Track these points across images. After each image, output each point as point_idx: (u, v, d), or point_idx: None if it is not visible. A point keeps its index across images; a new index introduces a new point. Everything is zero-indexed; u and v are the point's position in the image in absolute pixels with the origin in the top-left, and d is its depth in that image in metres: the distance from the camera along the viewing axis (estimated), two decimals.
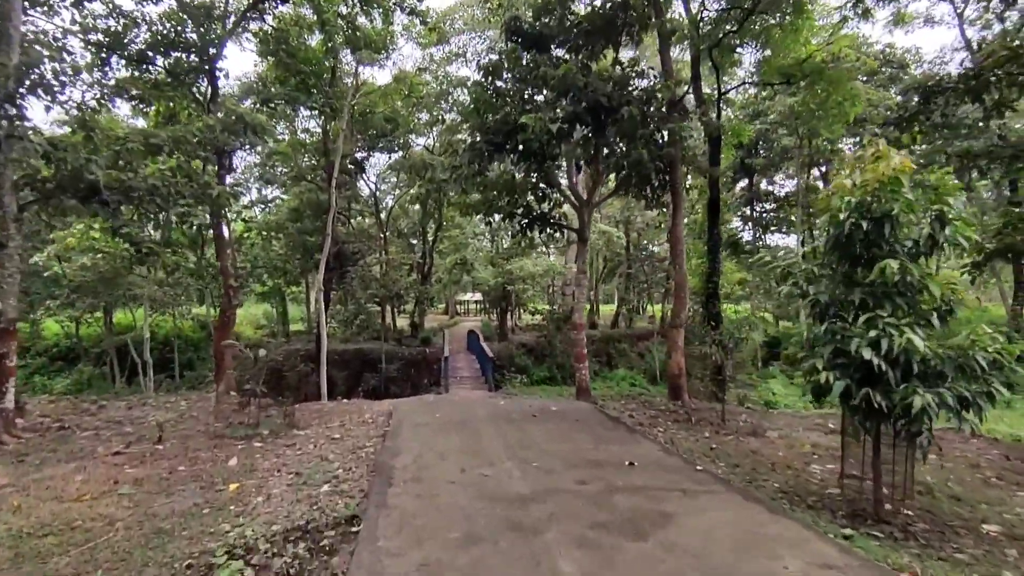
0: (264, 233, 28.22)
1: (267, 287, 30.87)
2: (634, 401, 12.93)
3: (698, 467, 6.73)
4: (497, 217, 13.28)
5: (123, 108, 19.32)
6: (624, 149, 11.44)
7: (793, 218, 31.50)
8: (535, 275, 24.86)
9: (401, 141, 27.45)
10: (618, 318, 36.68)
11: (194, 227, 19.95)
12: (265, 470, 6.95)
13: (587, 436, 8.21)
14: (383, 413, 10.50)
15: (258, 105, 17.75)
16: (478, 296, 52.56)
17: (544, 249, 33.03)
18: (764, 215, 35.90)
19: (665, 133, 11.40)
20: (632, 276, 30.56)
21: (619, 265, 39.59)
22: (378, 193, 33.99)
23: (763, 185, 35.02)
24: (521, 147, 10.71)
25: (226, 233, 19.20)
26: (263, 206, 31.46)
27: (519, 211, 12.21)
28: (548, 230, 12.68)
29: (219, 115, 13.00)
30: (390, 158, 30.61)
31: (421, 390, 23.77)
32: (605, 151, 11.87)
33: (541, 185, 12.41)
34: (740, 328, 12.44)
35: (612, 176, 12.98)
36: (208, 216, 14.59)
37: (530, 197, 12.46)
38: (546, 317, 26.51)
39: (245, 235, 32.01)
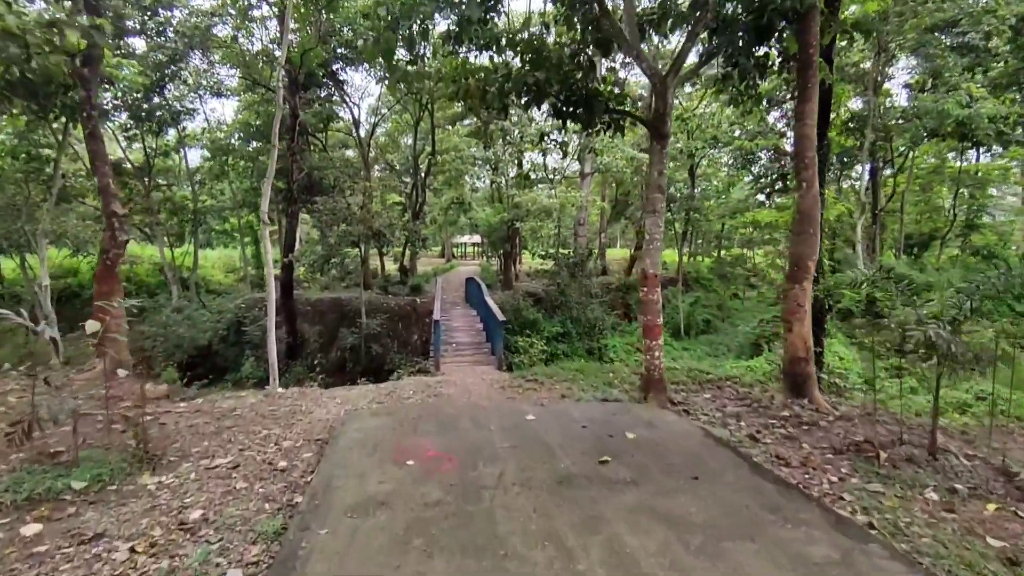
0: (215, 159, 22.80)
1: (226, 224, 25.68)
2: (722, 393, 8.28)
3: None
4: (512, 108, 8.14)
5: None
6: None
7: None
8: (550, 209, 19.70)
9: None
10: (633, 264, 31.83)
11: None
12: None
13: (738, 528, 3.54)
14: (320, 433, 5.82)
15: None
16: (476, 238, 47.51)
17: (553, 181, 27.73)
18: None
19: None
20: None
21: (629, 203, 34.47)
22: (360, 116, 28.29)
23: None
24: None
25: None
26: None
27: (555, 90, 7.06)
28: (606, 121, 7.56)
29: None
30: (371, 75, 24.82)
31: (408, 351, 19.18)
32: None
33: (589, 51, 7.24)
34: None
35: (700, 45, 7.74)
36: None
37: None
38: (558, 261, 21.60)
39: (203, 164, 26.51)
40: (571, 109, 7.16)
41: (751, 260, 34.10)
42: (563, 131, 9.08)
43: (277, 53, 17.06)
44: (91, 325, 5.26)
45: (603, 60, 8.59)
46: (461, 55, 7.13)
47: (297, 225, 18.20)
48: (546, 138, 8.72)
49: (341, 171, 18.99)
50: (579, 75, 7.11)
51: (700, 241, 38.18)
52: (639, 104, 21.56)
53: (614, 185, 34.46)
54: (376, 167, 28.41)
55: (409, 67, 13.58)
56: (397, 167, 35.04)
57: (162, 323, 19.86)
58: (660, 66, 7.49)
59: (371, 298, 21.20)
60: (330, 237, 15.83)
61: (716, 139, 24.06)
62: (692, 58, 7.70)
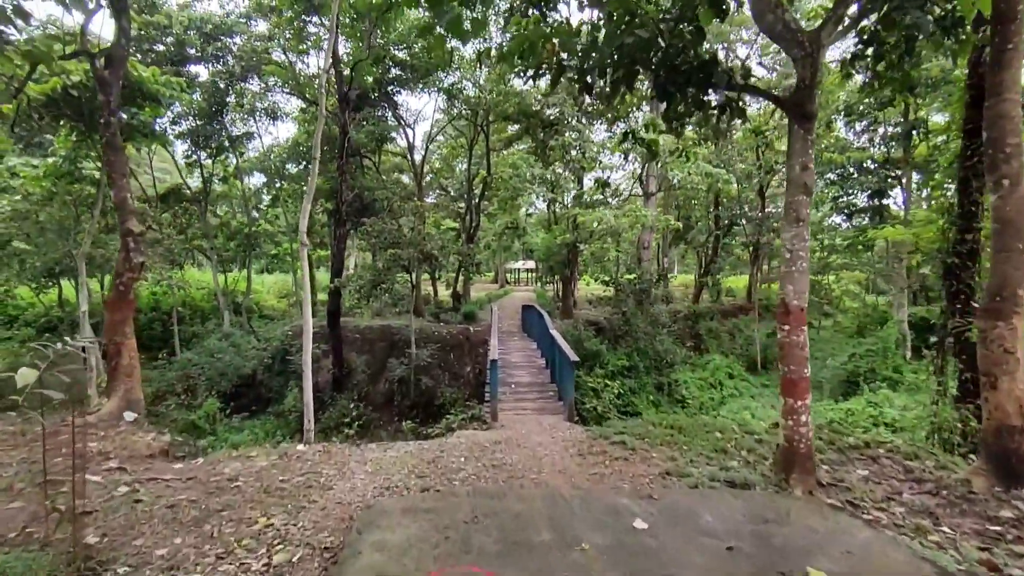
0: (269, 183, 22.15)
1: (279, 249, 25.01)
2: (882, 469, 5.97)
3: None
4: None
5: None
6: None
7: None
8: (617, 230, 17.61)
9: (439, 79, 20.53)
10: (701, 291, 29.21)
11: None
12: None
13: None
14: (332, 534, 4.02)
15: None
16: (530, 264, 45.82)
17: (610, 203, 25.69)
18: None
19: None
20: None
21: (691, 226, 31.83)
22: (414, 139, 27.37)
23: None
24: None
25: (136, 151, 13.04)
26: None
27: (657, 59, 5.17)
28: (722, 103, 5.59)
29: None
30: (427, 93, 23.84)
31: (460, 383, 17.42)
32: None
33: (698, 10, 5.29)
34: None
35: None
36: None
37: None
38: (623, 288, 19.46)
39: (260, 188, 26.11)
40: (679, 84, 5.26)
41: (828, 286, 30.62)
42: (648, 129, 7.08)
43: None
44: (23, 375, 3.65)
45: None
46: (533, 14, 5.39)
47: (345, 248, 16.95)
48: (629, 138, 6.71)
49: (392, 192, 17.72)
50: (687, 39, 5.22)
51: (767, 266, 35.00)
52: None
53: (675, 208, 32.09)
54: (431, 193, 27.27)
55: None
56: (452, 192, 33.98)
57: (208, 350, 18.98)
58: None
59: (422, 326, 19.68)
60: (379, 261, 14.38)
61: None
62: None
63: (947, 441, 7.11)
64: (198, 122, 22.22)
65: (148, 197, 22.62)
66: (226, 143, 23.71)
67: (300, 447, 6.51)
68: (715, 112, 5.73)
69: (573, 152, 20.92)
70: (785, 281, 5.17)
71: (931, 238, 11.05)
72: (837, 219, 36.68)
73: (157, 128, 20.80)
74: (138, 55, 19.68)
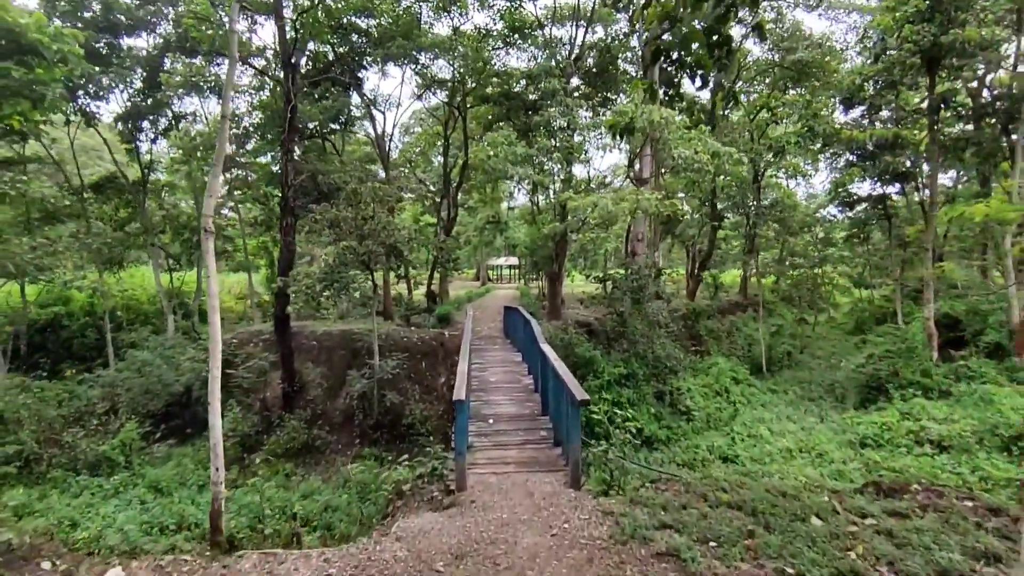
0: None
1: (235, 247, 21.97)
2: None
3: None
4: None
5: None
6: None
7: None
8: (615, 217, 14.75)
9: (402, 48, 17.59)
10: (696, 287, 26.76)
11: None
12: None
13: None
14: None
15: None
16: (513, 260, 43.05)
17: (595, 188, 23.01)
18: None
19: None
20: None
21: (679, 219, 29.30)
22: (384, 122, 24.48)
23: None
24: None
25: None
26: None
27: None
28: None
29: None
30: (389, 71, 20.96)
31: (433, 398, 14.71)
32: None
33: None
34: None
35: None
36: None
37: None
38: (618, 284, 16.92)
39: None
40: None
41: (823, 279, 28.28)
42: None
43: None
44: None
45: None
46: None
47: (294, 242, 14.02)
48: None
49: (351, 175, 14.83)
50: None
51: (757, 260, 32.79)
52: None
53: (667, 197, 29.55)
54: (405, 187, 24.40)
55: None
56: (429, 185, 31.13)
57: (137, 362, 15.94)
58: None
59: (390, 331, 16.84)
60: (327, 256, 11.56)
61: (811, 130, 18.98)
62: None
63: None
64: (134, 100, 19.10)
65: (75, 187, 19.37)
66: (171, 124, 20.58)
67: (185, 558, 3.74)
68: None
69: (559, 132, 18.23)
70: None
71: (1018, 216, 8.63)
72: (833, 210, 34.66)
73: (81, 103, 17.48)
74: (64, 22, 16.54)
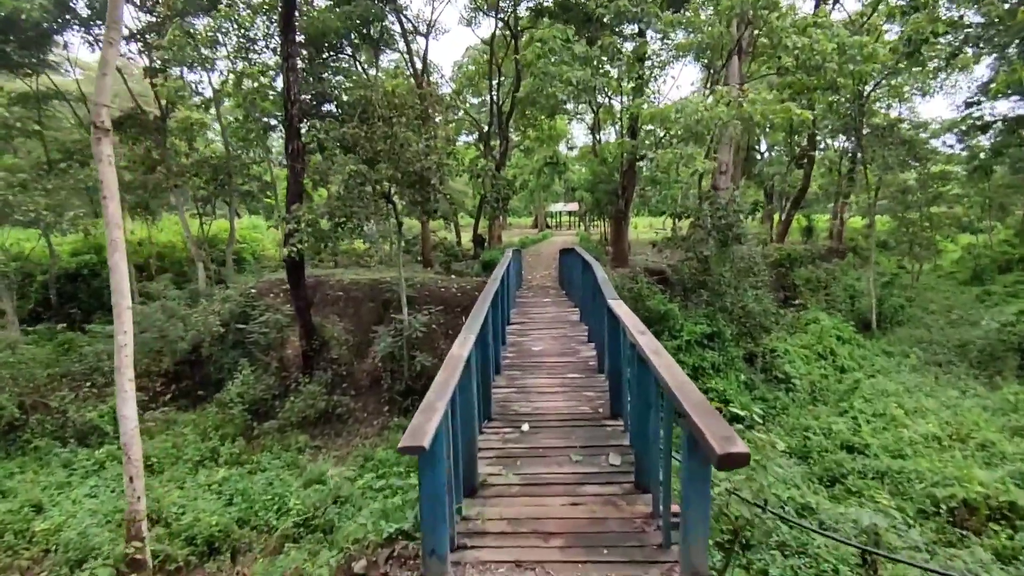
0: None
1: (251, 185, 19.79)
2: None
3: None
4: None
5: None
6: None
7: None
8: (708, 126, 10.69)
9: None
10: (786, 229, 22.47)
11: None
12: None
13: None
14: None
15: None
16: (573, 206, 39.35)
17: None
18: None
19: None
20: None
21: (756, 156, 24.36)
22: (426, 47, 21.23)
23: None
24: None
25: None
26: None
27: None
28: None
29: None
30: None
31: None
32: None
33: None
34: None
35: None
36: None
37: None
38: (701, 224, 13.44)
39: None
40: None
41: (944, 220, 23.12)
42: None
43: None
44: None
45: None
46: None
47: (304, 170, 11.37)
48: None
49: (372, 89, 11.84)
50: None
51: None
52: None
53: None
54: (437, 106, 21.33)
55: None
56: (473, 113, 27.79)
57: (155, 318, 14.15)
58: None
59: (425, 280, 14.23)
60: (332, 185, 8.83)
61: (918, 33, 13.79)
62: None
63: None
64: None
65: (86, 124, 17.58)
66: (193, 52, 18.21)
67: None
68: None
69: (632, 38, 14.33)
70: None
71: None
72: (951, 138, 28.62)
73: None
74: None
